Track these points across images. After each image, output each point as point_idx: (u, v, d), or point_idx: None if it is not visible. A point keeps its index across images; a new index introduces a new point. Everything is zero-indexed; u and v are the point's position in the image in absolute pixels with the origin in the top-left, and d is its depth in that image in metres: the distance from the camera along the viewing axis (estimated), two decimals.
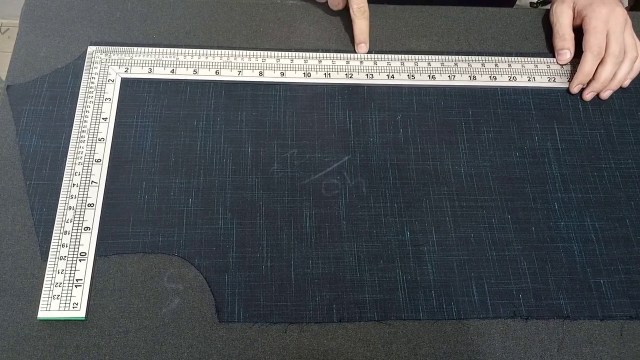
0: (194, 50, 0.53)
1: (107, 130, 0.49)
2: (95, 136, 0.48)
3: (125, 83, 0.51)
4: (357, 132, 0.51)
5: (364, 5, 0.53)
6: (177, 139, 0.49)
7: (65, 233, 0.44)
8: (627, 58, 0.53)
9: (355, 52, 0.54)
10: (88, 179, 0.46)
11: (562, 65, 0.55)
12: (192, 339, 0.41)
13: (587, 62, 0.52)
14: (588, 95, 0.53)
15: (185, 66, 0.52)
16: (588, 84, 0.53)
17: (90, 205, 0.45)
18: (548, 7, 0.59)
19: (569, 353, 0.43)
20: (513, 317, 0.44)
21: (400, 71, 0.54)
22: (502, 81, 0.54)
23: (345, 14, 0.56)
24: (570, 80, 0.54)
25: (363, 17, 0.53)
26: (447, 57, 0.55)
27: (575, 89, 0.54)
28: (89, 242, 0.44)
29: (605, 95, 0.54)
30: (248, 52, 0.54)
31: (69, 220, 0.44)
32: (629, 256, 0.47)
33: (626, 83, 0.54)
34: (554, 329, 0.43)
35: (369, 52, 0.54)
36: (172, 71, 0.52)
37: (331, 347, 0.42)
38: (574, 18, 0.55)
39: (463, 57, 0.55)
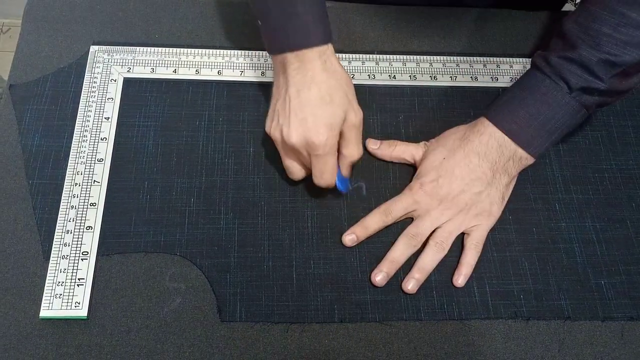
0: (196, 50, 0.53)
1: (109, 130, 0.49)
2: (97, 136, 0.48)
3: (128, 83, 0.51)
4: None
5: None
6: (179, 138, 0.49)
7: (68, 232, 0.44)
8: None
9: (359, 53, 0.54)
10: (90, 178, 0.46)
11: None
12: (193, 338, 0.41)
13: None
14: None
15: (188, 66, 0.52)
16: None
17: (92, 204, 0.45)
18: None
19: (570, 354, 0.43)
20: (514, 318, 0.44)
21: (402, 72, 0.54)
22: (504, 82, 0.54)
23: (347, 15, 0.56)
24: None
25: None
26: (448, 57, 0.55)
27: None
28: (91, 241, 0.44)
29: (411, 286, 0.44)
30: (250, 52, 0.54)
31: (71, 220, 0.44)
32: (630, 257, 0.47)
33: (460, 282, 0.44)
34: (555, 329, 0.44)
35: (372, 52, 0.54)
36: (175, 71, 0.52)
37: (332, 347, 0.42)
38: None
39: (465, 58, 0.55)
